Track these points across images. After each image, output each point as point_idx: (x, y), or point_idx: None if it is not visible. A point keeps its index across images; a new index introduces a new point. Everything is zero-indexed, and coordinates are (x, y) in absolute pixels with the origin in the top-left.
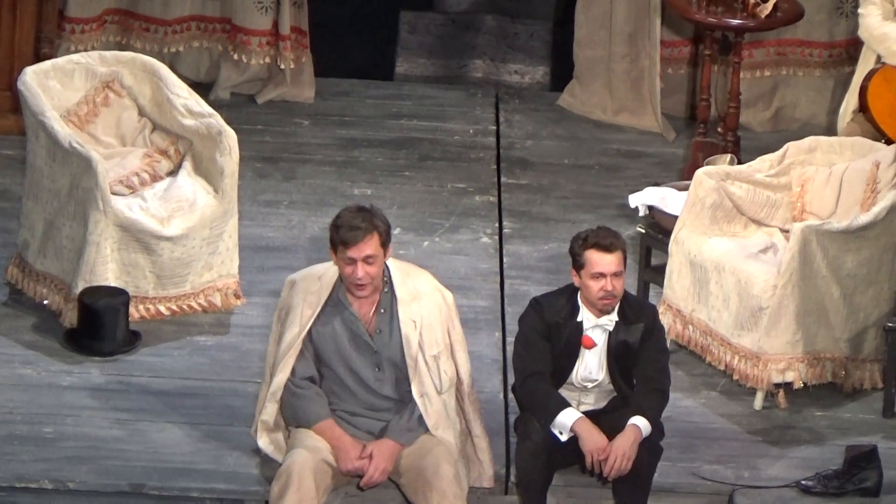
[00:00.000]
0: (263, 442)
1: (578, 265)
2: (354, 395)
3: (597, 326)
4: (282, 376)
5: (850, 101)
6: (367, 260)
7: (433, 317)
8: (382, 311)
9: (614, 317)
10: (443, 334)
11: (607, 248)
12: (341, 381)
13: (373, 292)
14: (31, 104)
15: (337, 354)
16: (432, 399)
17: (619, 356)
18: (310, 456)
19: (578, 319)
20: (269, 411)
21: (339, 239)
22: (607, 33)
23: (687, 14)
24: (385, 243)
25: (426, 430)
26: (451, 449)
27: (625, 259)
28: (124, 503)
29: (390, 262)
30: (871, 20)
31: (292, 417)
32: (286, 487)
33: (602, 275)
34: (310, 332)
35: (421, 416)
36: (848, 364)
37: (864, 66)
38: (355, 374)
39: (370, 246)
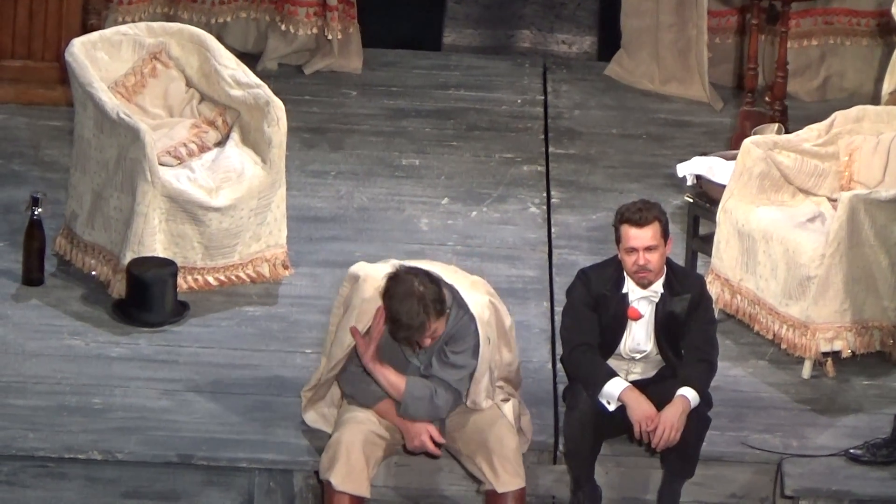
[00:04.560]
0: (310, 416)
1: (617, 239)
2: None
3: (642, 298)
4: (333, 374)
5: (891, 80)
6: (432, 335)
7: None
8: None
9: (659, 288)
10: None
11: (638, 223)
12: None
13: None
14: (78, 75)
15: (384, 359)
16: (477, 402)
17: (667, 327)
18: (360, 428)
19: (624, 291)
20: (321, 394)
21: (400, 338)
22: (654, 3)
23: None
24: (442, 313)
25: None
26: (509, 419)
27: (664, 231)
28: (172, 474)
29: (449, 278)
30: None
31: (351, 397)
32: (335, 459)
33: (634, 249)
34: (366, 333)
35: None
36: None
37: None
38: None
39: (430, 329)
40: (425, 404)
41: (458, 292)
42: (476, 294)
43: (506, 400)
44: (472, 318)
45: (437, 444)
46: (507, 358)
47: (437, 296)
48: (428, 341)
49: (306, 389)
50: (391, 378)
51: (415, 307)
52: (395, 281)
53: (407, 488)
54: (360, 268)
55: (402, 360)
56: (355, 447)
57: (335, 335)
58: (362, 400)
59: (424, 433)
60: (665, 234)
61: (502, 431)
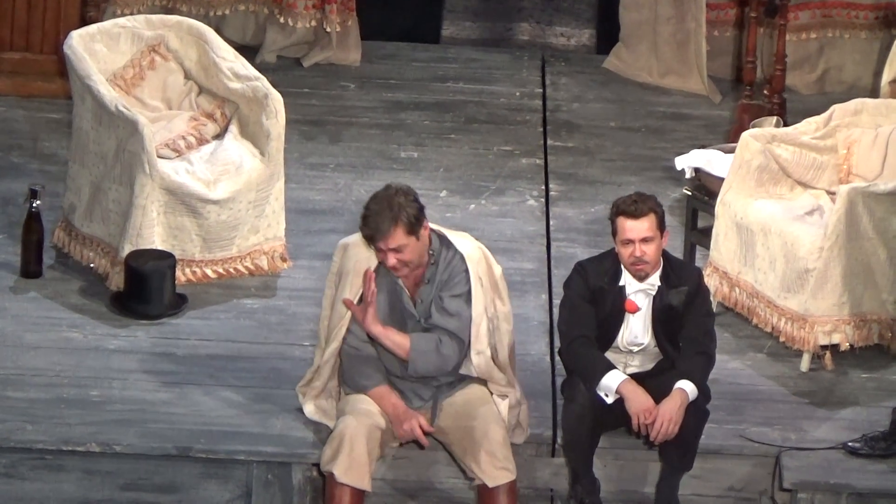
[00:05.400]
0: (309, 409)
1: (613, 231)
2: (397, 364)
3: (639, 291)
4: (335, 345)
5: (891, 69)
6: (396, 250)
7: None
8: (427, 281)
9: (656, 281)
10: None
11: (633, 215)
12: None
13: (416, 268)
14: (77, 68)
15: (384, 322)
16: (486, 357)
17: (664, 320)
18: (363, 421)
19: (621, 284)
20: (323, 377)
21: (365, 234)
22: None
23: None
24: (413, 230)
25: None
26: (498, 411)
27: (660, 223)
28: (171, 466)
29: (438, 230)
30: None
31: (349, 381)
32: (338, 451)
33: (630, 241)
34: (361, 298)
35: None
36: (894, 326)
37: None
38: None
39: (395, 238)
40: (433, 357)
41: (445, 236)
42: (464, 239)
43: (503, 396)
44: (462, 258)
45: (425, 434)
46: (502, 309)
47: (415, 214)
48: (392, 260)
49: (301, 385)
50: (395, 338)
51: (387, 212)
52: (384, 188)
53: (404, 481)
54: (346, 238)
55: (401, 319)
56: (359, 440)
57: (332, 309)
58: (358, 379)
59: (413, 419)
60: (661, 226)
61: (488, 423)
